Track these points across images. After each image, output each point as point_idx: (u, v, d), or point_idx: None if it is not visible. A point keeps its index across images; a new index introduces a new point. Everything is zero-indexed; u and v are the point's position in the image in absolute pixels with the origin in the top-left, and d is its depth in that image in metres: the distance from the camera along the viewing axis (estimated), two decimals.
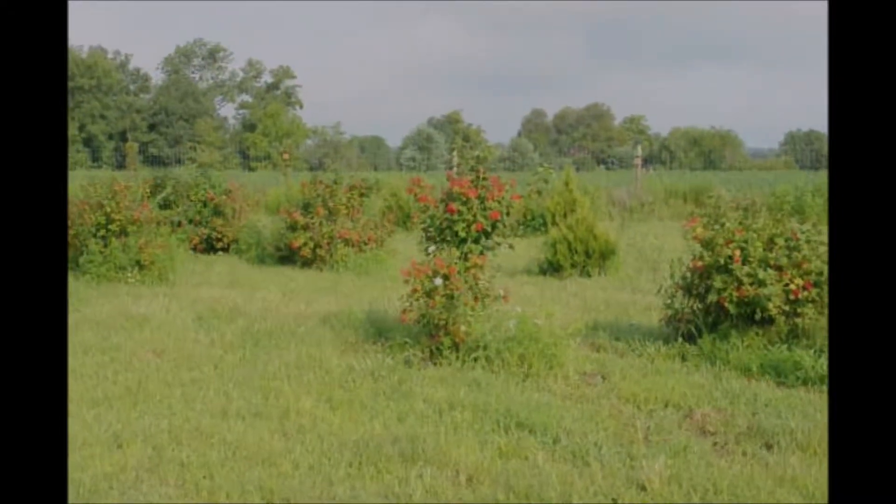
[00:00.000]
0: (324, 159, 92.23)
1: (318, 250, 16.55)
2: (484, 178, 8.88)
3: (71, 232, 14.47)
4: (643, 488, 5.42)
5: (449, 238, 8.89)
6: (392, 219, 19.01)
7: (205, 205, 20.01)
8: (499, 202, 8.86)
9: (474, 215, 8.73)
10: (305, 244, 16.60)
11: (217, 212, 19.88)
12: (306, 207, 17.29)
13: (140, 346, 9.34)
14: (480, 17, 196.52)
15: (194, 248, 19.24)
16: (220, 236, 19.48)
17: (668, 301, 9.06)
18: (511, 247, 9.19)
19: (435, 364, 8.27)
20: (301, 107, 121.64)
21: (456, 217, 8.75)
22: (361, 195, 17.69)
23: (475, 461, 5.85)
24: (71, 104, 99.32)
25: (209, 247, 19.49)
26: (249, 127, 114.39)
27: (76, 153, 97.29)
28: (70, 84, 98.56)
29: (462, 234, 8.76)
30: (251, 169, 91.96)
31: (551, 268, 15.19)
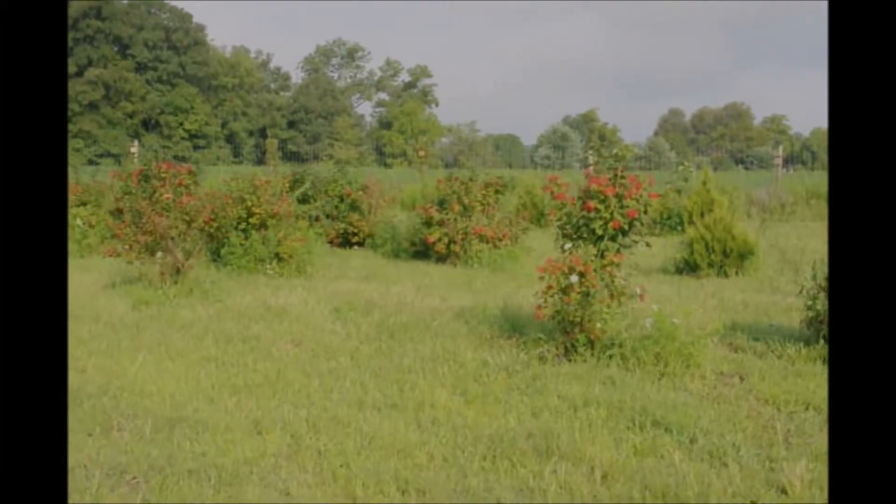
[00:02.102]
0: (459, 157, 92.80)
1: (452, 246, 16.65)
2: (622, 177, 8.80)
3: (214, 225, 14.84)
4: (784, 491, 5.31)
5: (585, 235, 8.83)
6: (527, 216, 18.96)
7: (342, 200, 20.34)
8: (636, 200, 8.76)
9: (612, 213, 8.66)
10: (440, 240, 16.71)
11: (354, 207, 20.18)
12: (442, 204, 17.41)
13: (279, 337, 9.54)
14: (618, 17, 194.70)
15: (331, 242, 19.57)
16: (356, 231, 19.77)
17: (810, 302, 8.83)
18: (648, 245, 9.09)
19: (569, 360, 8.23)
20: (437, 105, 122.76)
21: (593, 215, 8.69)
22: (497, 192, 17.71)
23: (610, 458, 5.80)
24: (214, 102, 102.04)
25: (345, 241, 19.79)
26: (386, 125, 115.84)
27: (218, 149, 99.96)
28: (213, 82, 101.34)
29: (599, 232, 8.70)
30: (387, 166, 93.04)
31: (688, 267, 14.98)
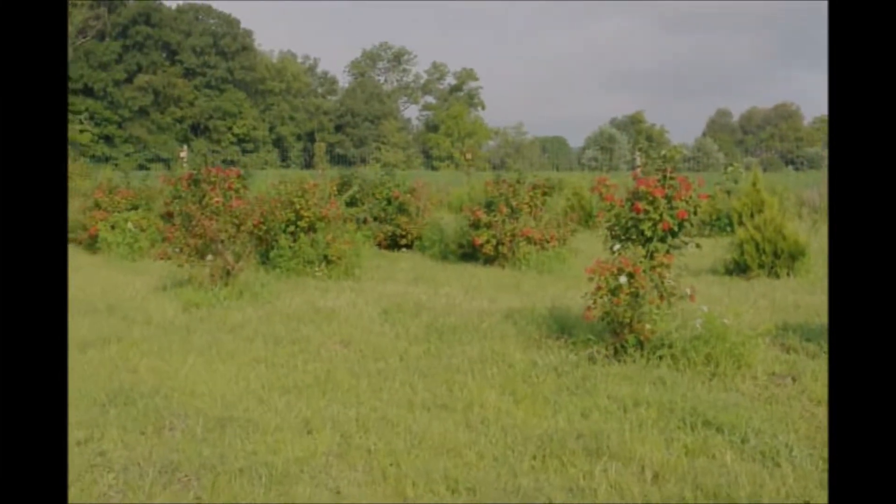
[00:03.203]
0: (505, 159, 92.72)
1: (500, 248, 16.66)
2: (671, 178, 8.75)
3: (263, 228, 14.97)
4: None
5: (634, 237, 8.79)
6: (574, 218, 18.97)
7: (389, 203, 20.42)
8: (686, 201, 8.71)
9: (661, 214, 8.61)
10: (488, 241, 16.73)
11: (401, 209, 20.26)
12: (489, 206, 17.42)
13: (328, 338, 9.59)
14: (667, 17, 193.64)
15: (379, 245, 19.65)
16: (404, 233, 19.84)
17: None
18: (698, 246, 9.02)
19: (619, 361, 8.20)
20: (483, 108, 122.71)
21: (642, 216, 8.65)
22: (544, 194, 17.69)
23: (661, 458, 5.77)
24: (262, 107, 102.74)
25: (393, 243, 19.87)
26: (432, 128, 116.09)
27: (266, 153, 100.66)
28: (261, 87, 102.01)
29: (648, 233, 8.65)
30: (434, 168, 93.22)
31: (738, 268, 14.88)
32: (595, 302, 8.49)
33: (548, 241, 16.75)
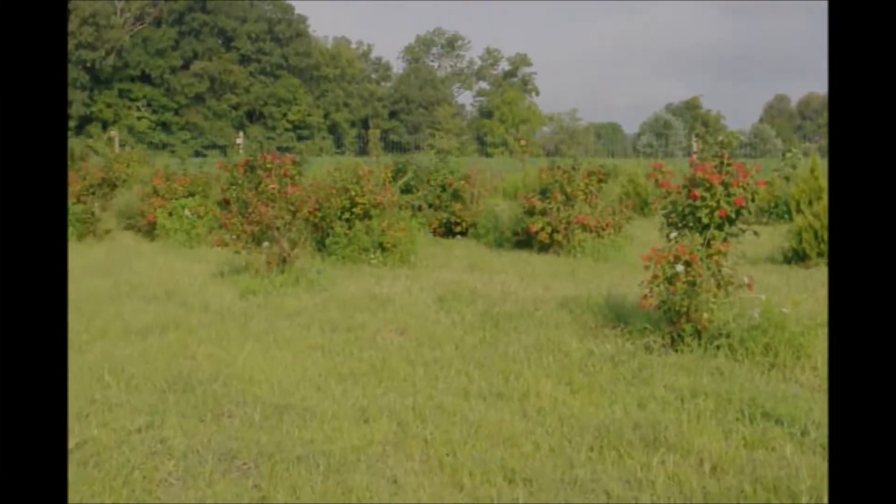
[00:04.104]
0: (560, 145, 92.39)
1: (555, 235, 16.60)
2: (728, 164, 8.65)
3: (318, 215, 15.05)
4: None
5: (691, 224, 8.71)
6: (630, 205, 18.78)
7: (444, 189, 20.40)
8: (743, 188, 8.60)
9: (718, 201, 8.52)
10: (543, 229, 16.68)
11: (456, 196, 20.24)
12: (544, 193, 17.36)
13: (384, 326, 9.61)
14: (722, 2, 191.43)
15: (434, 232, 19.65)
16: (458, 220, 19.82)
17: None
18: (756, 233, 8.92)
19: (676, 351, 8.14)
20: (538, 94, 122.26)
21: (699, 203, 8.57)
22: (599, 181, 17.58)
23: (719, 450, 5.72)
24: (316, 93, 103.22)
25: (448, 230, 19.86)
26: (486, 114, 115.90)
27: (321, 140, 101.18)
28: (315, 73, 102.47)
29: (705, 221, 8.57)
30: (488, 155, 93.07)
31: (796, 256, 14.70)
32: (651, 290, 8.44)
33: (603, 229, 16.66)
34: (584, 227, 16.53)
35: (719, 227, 8.58)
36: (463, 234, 19.73)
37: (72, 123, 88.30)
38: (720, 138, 8.90)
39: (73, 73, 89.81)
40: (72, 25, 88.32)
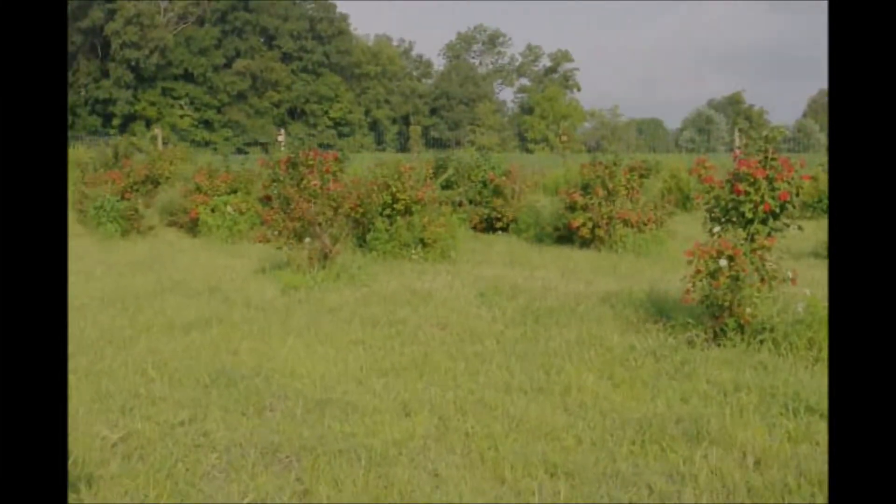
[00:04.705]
0: (601, 141, 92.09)
1: (596, 230, 16.55)
2: (773, 159, 8.57)
3: (360, 210, 15.09)
4: None
5: (735, 219, 8.64)
6: (671, 200, 18.68)
7: (485, 185, 20.42)
8: (788, 183, 8.53)
9: (762, 196, 8.45)
10: (584, 224, 16.64)
11: (497, 192, 20.25)
12: (585, 188, 17.32)
13: (425, 320, 9.62)
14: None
15: (474, 227, 19.68)
16: (499, 216, 19.82)
17: None
18: (800, 228, 8.83)
19: (719, 345, 8.09)
20: (579, 90, 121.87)
21: (743, 198, 8.50)
22: (641, 176, 17.54)
23: (763, 444, 5.68)
24: (357, 90, 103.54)
25: (489, 226, 19.87)
26: (527, 110, 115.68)
27: (362, 136, 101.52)
28: (356, 71, 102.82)
29: (749, 215, 8.50)
30: (529, 151, 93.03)
31: None
32: (694, 285, 8.39)
33: (645, 224, 16.59)
34: (626, 223, 16.49)
35: (763, 222, 8.51)
36: (504, 229, 19.72)
37: (116, 122, 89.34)
38: (764, 133, 8.82)
39: (118, 71, 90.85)
40: (116, 25, 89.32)
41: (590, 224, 16.61)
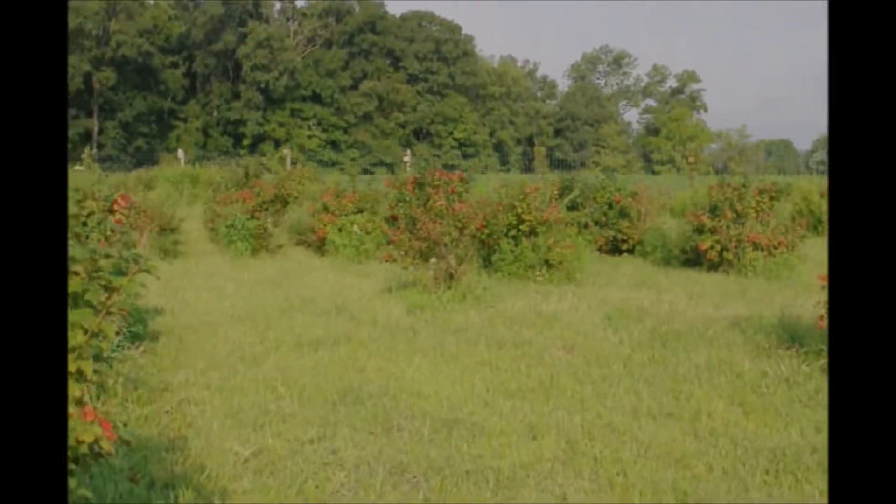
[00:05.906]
0: (728, 163, 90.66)
1: (725, 253, 16.27)
2: None
3: (485, 231, 15.11)
4: None
5: None
6: (803, 223, 18.24)
7: (610, 207, 20.28)
8: None
9: None
10: (712, 247, 16.36)
11: (623, 214, 20.09)
12: (713, 210, 17.04)
13: (550, 343, 9.57)
14: None
15: (599, 249, 19.55)
16: (625, 238, 19.67)
17: None
18: None
19: None
20: (706, 111, 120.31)
21: None
22: (771, 199, 17.15)
23: None
24: (482, 111, 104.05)
25: (614, 248, 19.72)
26: (653, 131, 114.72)
27: (487, 157, 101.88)
28: (481, 92, 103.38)
29: None
30: (654, 172, 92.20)
31: None
32: None
33: (775, 248, 16.23)
34: (756, 246, 16.16)
35: None
36: (629, 251, 19.55)
37: (246, 142, 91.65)
38: None
39: (248, 93, 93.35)
40: (247, 48, 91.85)
41: (718, 247, 16.33)
